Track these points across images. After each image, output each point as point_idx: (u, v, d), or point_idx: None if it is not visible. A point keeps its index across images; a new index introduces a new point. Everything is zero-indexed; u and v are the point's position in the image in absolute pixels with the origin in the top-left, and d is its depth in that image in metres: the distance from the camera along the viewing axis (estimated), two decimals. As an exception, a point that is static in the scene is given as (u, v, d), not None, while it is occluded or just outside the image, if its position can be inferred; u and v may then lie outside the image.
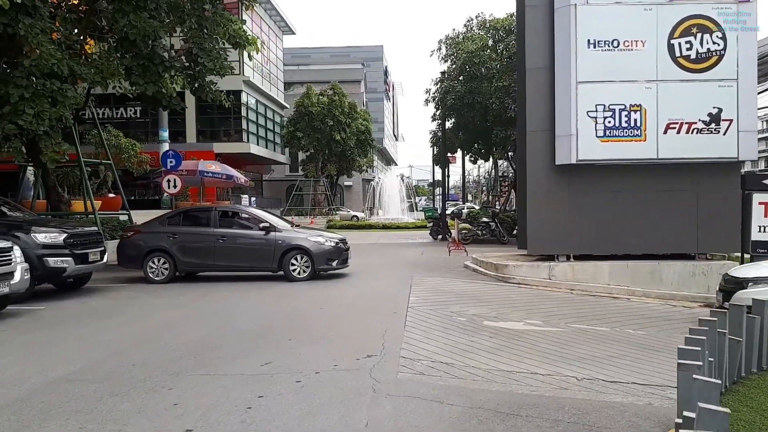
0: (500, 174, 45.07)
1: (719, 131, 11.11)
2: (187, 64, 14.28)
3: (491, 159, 33.35)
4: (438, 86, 21.49)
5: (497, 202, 34.23)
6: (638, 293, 10.85)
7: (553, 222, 11.61)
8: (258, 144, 46.12)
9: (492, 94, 19.49)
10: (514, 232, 20.73)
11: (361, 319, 7.56)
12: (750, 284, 7.28)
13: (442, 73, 21.37)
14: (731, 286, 7.60)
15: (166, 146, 39.55)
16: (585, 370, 5.57)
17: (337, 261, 11.55)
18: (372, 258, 16.12)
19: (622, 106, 11.18)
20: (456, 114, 21.26)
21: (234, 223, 11.98)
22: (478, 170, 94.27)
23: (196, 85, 14.93)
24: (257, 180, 53.67)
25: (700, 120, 11.13)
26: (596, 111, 11.19)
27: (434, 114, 22.63)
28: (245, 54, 16.17)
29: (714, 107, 11.12)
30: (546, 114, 11.65)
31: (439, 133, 23.03)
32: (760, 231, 11.15)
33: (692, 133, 11.13)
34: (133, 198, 44.94)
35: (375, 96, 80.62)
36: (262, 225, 11.56)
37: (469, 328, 7.17)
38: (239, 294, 9.93)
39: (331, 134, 45.39)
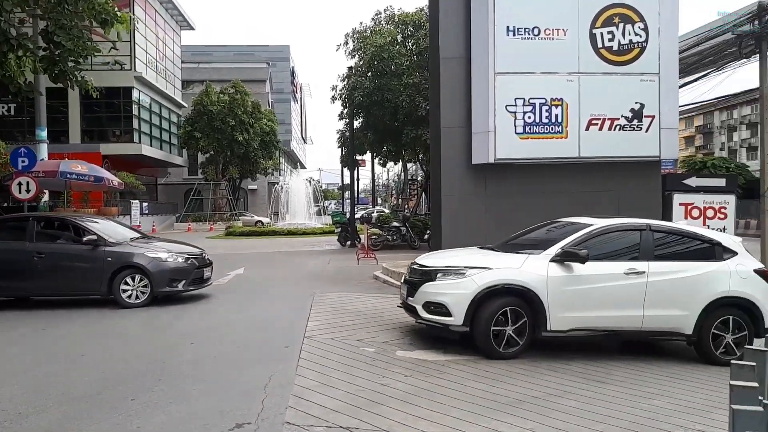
0: (410, 177, 44.37)
1: (641, 128, 10.42)
2: (42, 44, 11.94)
3: (401, 161, 32.38)
4: (345, 82, 20.06)
5: (407, 206, 33.38)
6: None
7: (469, 226, 10.47)
8: (151, 145, 42.71)
9: (402, 92, 18.33)
10: (426, 236, 19.71)
11: (240, 361, 5.89)
12: (439, 275, 6.53)
13: (350, 68, 19.96)
14: (417, 277, 6.78)
15: (44, 147, 35.48)
16: (527, 422, 4.29)
17: (185, 282, 9.37)
18: (270, 269, 14.39)
19: (543, 100, 10.24)
20: (364, 112, 19.94)
21: (59, 235, 9.71)
22: (388, 173, 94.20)
23: (56, 70, 12.56)
24: (151, 184, 49.86)
25: (622, 116, 10.39)
26: (515, 105, 10.17)
27: (341, 112, 21.18)
28: (116, 34, 13.77)
29: (636, 102, 10.43)
30: (462, 109, 10.51)
31: (347, 133, 21.61)
32: (682, 234, 10.57)
33: (615, 129, 10.38)
34: (6, 205, 40.31)
35: (281, 97, 78.20)
36: (87, 238, 9.22)
37: (380, 364, 5.75)
38: (88, 326, 7.88)
39: (233, 135, 42.80)
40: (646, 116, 10.42)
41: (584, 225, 6.90)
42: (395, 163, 37.55)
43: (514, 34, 10.09)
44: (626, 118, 10.41)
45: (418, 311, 6.54)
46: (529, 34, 10.12)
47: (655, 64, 10.45)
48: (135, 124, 39.93)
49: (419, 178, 44.33)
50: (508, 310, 6.16)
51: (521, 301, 6.24)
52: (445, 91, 10.51)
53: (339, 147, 22.35)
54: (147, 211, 40.91)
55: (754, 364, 2.75)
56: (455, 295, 6.27)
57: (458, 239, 10.39)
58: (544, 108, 10.23)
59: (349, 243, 21.16)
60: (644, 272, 6.41)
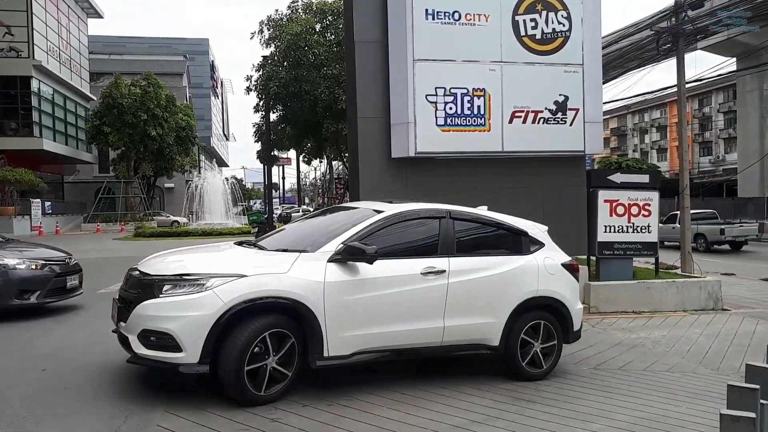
0: (336, 176, 43.40)
1: (566, 121, 10.02)
2: None
3: (325, 158, 31.40)
4: (260, 72, 18.86)
5: (333, 205, 32.50)
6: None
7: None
8: (55, 140, 39.60)
9: (321, 84, 17.39)
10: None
11: (95, 394, 4.84)
12: (167, 288, 4.53)
13: (264, 57, 18.79)
14: (135, 291, 4.77)
15: (-74, 140, 31.98)
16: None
17: (40, 293, 7.95)
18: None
19: (465, 91, 9.62)
20: (282, 104, 18.85)
21: None
22: (315, 172, 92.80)
23: None
24: (56, 182, 46.36)
25: (546, 108, 9.94)
26: (436, 95, 9.49)
27: (257, 104, 19.96)
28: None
29: (560, 95, 10.00)
30: (379, 98, 9.73)
31: (264, 127, 20.42)
32: (606, 231, 10.26)
33: (539, 122, 9.91)
34: None
35: (201, 92, 75.20)
36: None
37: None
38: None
39: (146, 129, 40.28)
40: (570, 109, 10.02)
41: (372, 212, 5.52)
42: (320, 161, 36.52)
43: (433, 18, 9.41)
44: (550, 111, 9.97)
45: (131, 344, 4.53)
46: (449, 19, 9.47)
47: (578, 55, 10.08)
48: (35, 117, 36.85)
49: (345, 176, 43.50)
50: (267, 336, 4.49)
51: (288, 319, 4.65)
52: (361, 78, 9.68)
53: (256, 141, 21.11)
54: (50, 211, 37.82)
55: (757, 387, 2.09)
56: (188, 319, 4.32)
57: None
58: (466, 99, 9.62)
59: (267, 244, 19.97)
60: (445, 271, 5.22)
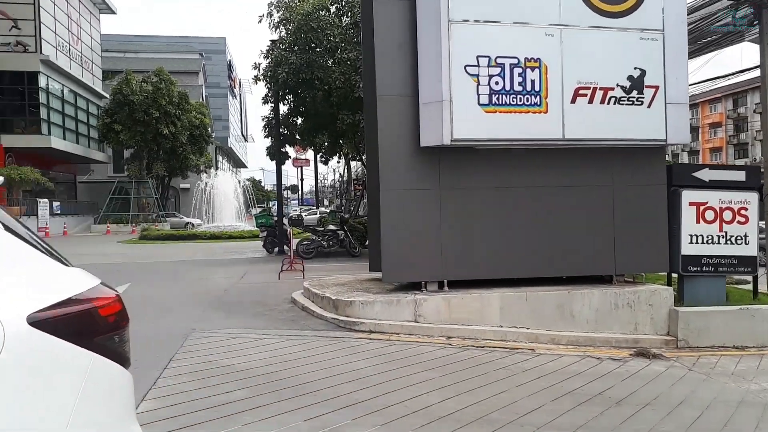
0: (355, 176, 41.37)
1: (642, 102, 7.87)
2: None
3: (341, 156, 29.41)
4: (269, 59, 16.93)
5: (350, 207, 30.48)
6: (543, 339, 7.26)
7: (417, 232, 7.67)
8: (65, 138, 38.21)
9: (335, 70, 15.41)
10: (367, 242, 16.83)
11: None
12: None
13: (273, 41, 16.85)
14: None
15: (-71, 137, 30.74)
16: None
17: None
18: (160, 287, 11.16)
19: (515, 61, 7.52)
20: (292, 93, 16.89)
21: None
22: (334, 174, 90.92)
23: None
24: (68, 182, 45.12)
25: (618, 85, 7.80)
26: (478, 66, 7.42)
27: (266, 95, 18.03)
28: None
29: (635, 68, 7.86)
30: (405, 70, 7.69)
31: (274, 120, 18.46)
32: (691, 242, 8.10)
33: (608, 103, 7.78)
34: None
35: (218, 91, 73.80)
36: None
37: None
38: None
39: (158, 127, 38.68)
40: (647, 87, 7.88)
41: None
42: (338, 161, 34.54)
43: (476, -33, 7.35)
44: (623, 88, 7.83)
45: None
46: (496, -32, 7.40)
47: (658, 19, 7.94)
48: (43, 114, 35.47)
49: (364, 179, 41.49)
50: None
51: None
52: (381, 45, 7.65)
53: (266, 136, 19.20)
54: (59, 212, 36.43)
55: None
56: None
57: (402, 253, 7.60)
58: (517, 71, 7.53)
59: (277, 249, 18.04)
60: None
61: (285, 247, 18.21)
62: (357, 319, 7.22)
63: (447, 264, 7.69)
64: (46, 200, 34.16)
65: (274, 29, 17.11)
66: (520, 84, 7.52)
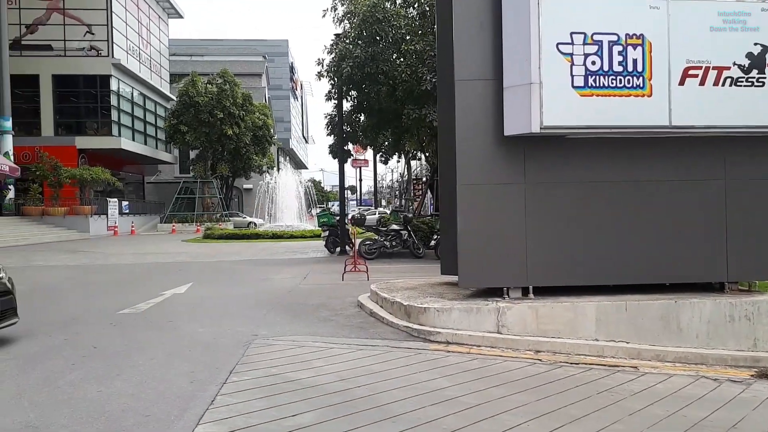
0: (414, 176, 40.70)
1: (764, 83, 6.79)
2: None
3: (402, 155, 28.77)
4: (333, 54, 16.45)
5: (411, 207, 29.81)
6: (646, 355, 6.30)
7: (499, 232, 6.87)
8: (134, 140, 39.24)
9: (401, 62, 14.74)
10: (432, 242, 16.09)
11: None
12: None
13: (337, 35, 16.35)
14: None
15: (8, 139, 32.02)
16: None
17: None
18: (221, 286, 10.78)
19: (615, 38, 6.61)
20: (356, 89, 16.34)
21: None
22: (392, 174, 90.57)
23: None
24: (137, 182, 46.51)
25: (735, 64, 6.75)
26: (572, 44, 6.56)
27: (329, 91, 17.58)
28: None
29: (756, 44, 6.79)
30: (486, 51, 6.91)
31: (337, 117, 17.97)
32: (822, 245, 6.92)
33: (723, 84, 6.74)
34: None
35: (280, 93, 74.70)
36: None
37: None
38: None
39: (222, 128, 39.21)
40: (771, 65, 6.79)
41: None
42: (398, 158, 33.90)
43: (571, -70, 6.49)
44: (741, 67, 6.78)
45: None
46: (595, -69, 6.52)
47: (782, -15, 6.83)
48: (114, 116, 36.52)
49: (425, 178, 40.73)
50: None
51: None
52: (460, 23, 6.89)
53: (328, 134, 18.77)
54: (128, 211, 37.42)
55: None
56: None
57: (481, 255, 6.82)
58: (616, 49, 6.61)
59: (338, 250, 17.54)
60: None
61: (347, 247, 17.72)
62: (432, 328, 6.49)
63: (532, 268, 6.85)
64: (115, 200, 35.15)
65: (338, 23, 16.64)
66: (620, 64, 6.60)
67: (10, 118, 30.57)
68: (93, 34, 35.60)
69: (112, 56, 35.69)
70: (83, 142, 35.32)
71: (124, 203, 37.25)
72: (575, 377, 5.44)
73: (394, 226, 16.14)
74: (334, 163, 17.81)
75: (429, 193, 20.81)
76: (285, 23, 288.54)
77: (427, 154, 20.87)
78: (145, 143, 41.75)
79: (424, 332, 6.45)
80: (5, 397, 4.38)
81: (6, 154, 29.46)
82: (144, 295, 9.47)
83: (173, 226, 36.69)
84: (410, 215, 17.27)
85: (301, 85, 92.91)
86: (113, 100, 36.46)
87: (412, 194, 39.09)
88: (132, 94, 39.56)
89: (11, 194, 31.12)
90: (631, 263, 6.92)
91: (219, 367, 5.06)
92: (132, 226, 35.04)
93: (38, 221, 29.98)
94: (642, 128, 6.73)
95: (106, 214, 33.42)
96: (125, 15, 37.71)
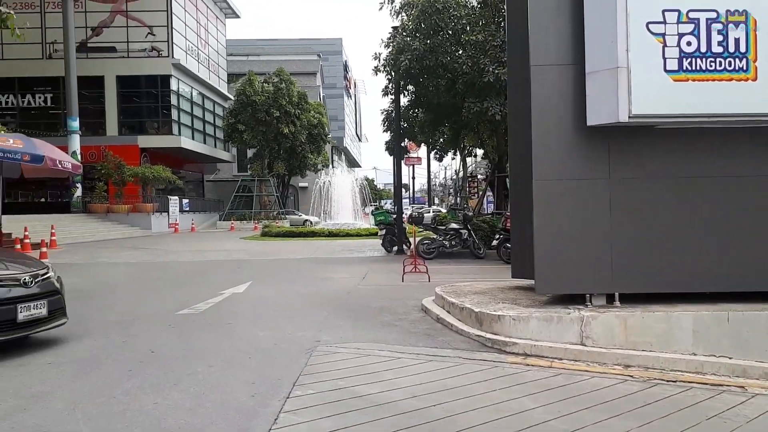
0: (469, 174, 39.84)
1: None
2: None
3: (458, 153, 28.07)
4: (390, 48, 16.01)
5: (467, 204, 29.10)
6: (754, 373, 5.57)
7: (581, 234, 6.25)
8: (193, 138, 40.06)
9: (461, 54, 14.14)
10: (494, 242, 15.43)
11: None
12: None
13: (394, 28, 15.89)
14: None
15: (76, 138, 33.14)
16: None
17: None
18: (281, 286, 10.53)
19: (713, 15, 5.88)
20: (414, 83, 15.85)
21: None
22: (445, 172, 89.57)
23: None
24: (196, 180, 47.55)
25: None
26: (665, 23, 5.88)
27: (386, 86, 17.16)
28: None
29: None
30: (566, 34, 6.30)
31: (393, 113, 17.53)
32: None
33: (843, 65, 5.91)
34: (44, 200, 38.50)
35: (334, 92, 75.10)
36: None
37: None
38: None
39: (278, 127, 39.54)
40: None
41: None
42: (452, 155, 33.18)
43: None
44: None
45: None
46: None
47: None
48: (174, 115, 37.38)
49: (479, 176, 39.82)
50: None
51: None
52: (536, 3, 6.31)
53: (384, 131, 18.37)
54: (188, 209, 38.24)
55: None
56: None
57: (560, 258, 6.23)
58: (715, 28, 5.88)
59: (396, 249, 17.13)
60: None
61: (404, 246, 17.28)
62: (507, 338, 5.94)
63: (618, 272, 6.20)
64: (176, 197, 35.93)
65: (395, 16, 16.20)
66: (719, 44, 5.87)
67: (78, 118, 31.65)
68: (154, 35, 36.49)
69: (172, 56, 36.49)
70: (145, 141, 36.29)
71: (185, 201, 38.06)
72: (675, 398, 4.80)
73: (454, 225, 15.56)
74: (387, 161, 17.43)
75: (489, 190, 20.08)
76: (339, 19, 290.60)
77: (486, 150, 20.16)
78: (204, 142, 42.58)
79: (499, 342, 5.92)
80: (59, 408, 4.14)
81: (74, 154, 30.49)
82: (203, 294, 9.30)
83: (232, 223, 37.22)
84: (470, 213, 16.65)
85: (355, 83, 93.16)
86: (173, 100, 37.30)
87: (467, 192, 38.23)
88: (191, 93, 40.38)
89: (78, 192, 32.23)
90: (732, 268, 6.16)
91: (281, 378, 4.70)
92: (192, 224, 35.75)
93: (103, 218, 30.92)
94: (745, 116, 5.96)
95: (167, 212, 34.20)
96: (184, 15, 38.49)
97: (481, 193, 28.76)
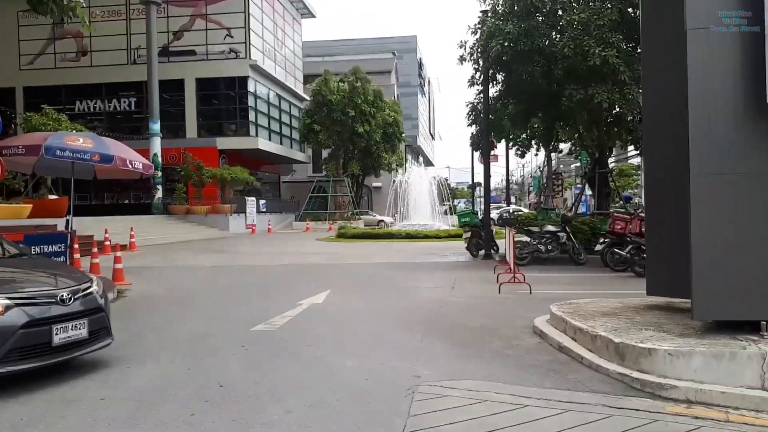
0: (553, 169, 37.69)
1: None
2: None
3: (542, 148, 26.25)
4: (478, 33, 14.69)
5: (553, 203, 27.21)
6: None
7: (757, 244, 4.80)
8: (270, 139, 40.10)
9: (561, 36, 12.65)
10: (597, 247, 13.82)
11: None
12: None
13: (483, 12, 14.56)
14: None
15: (157, 141, 33.81)
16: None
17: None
18: (362, 297, 9.49)
19: None
20: (505, 71, 14.47)
21: None
22: (522, 169, 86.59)
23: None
24: (273, 181, 47.81)
25: None
26: None
27: (472, 76, 15.85)
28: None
29: None
30: (736, -14, 4.86)
31: (480, 105, 16.19)
32: None
33: None
34: (126, 202, 39.66)
35: (409, 90, 74.00)
36: None
37: None
38: None
39: (353, 126, 38.94)
40: None
41: None
42: (536, 151, 31.29)
43: None
44: None
45: None
46: None
47: None
48: (251, 117, 37.48)
49: (563, 172, 37.60)
50: None
51: None
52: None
53: (469, 124, 17.08)
54: (265, 210, 38.30)
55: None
56: None
57: (731, 268, 4.81)
58: None
59: (482, 253, 15.78)
60: None
61: (492, 249, 15.92)
62: (663, 379, 4.58)
63: (811, 295, 4.70)
64: (253, 198, 35.98)
65: (482, 2, 14.86)
66: None
67: (159, 121, 32.22)
68: (232, 37, 36.72)
69: (249, 58, 36.57)
70: (223, 142, 36.55)
71: (261, 202, 38.11)
72: None
73: (550, 227, 14.04)
74: (460, 160, 16.10)
75: (589, 187, 18.32)
76: (413, 15, 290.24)
77: (585, 143, 18.40)
78: (281, 143, 42.61)
79: (651, 384, 4.57)
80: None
81: (155, 156, 31.01)
82: (280, 305, 8.41)
83: (307, 224, 36.93)
84: (569, 214, 15.06)
85: (429, 81, 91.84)
86: (251, 101, 37.40)
87: (552, 189, 36.22)
88: (268, 95, 40.46)
89: (159, 194, 32.81)
90: None
91: (378, 435, 3.61)
92: (269, 224, 35.70)
93: (183, 220, 31.25)
94: None
95: (245, 213, 34.26)
96: (261, 16, 38.57)
97: (576, 191, 26.84)
